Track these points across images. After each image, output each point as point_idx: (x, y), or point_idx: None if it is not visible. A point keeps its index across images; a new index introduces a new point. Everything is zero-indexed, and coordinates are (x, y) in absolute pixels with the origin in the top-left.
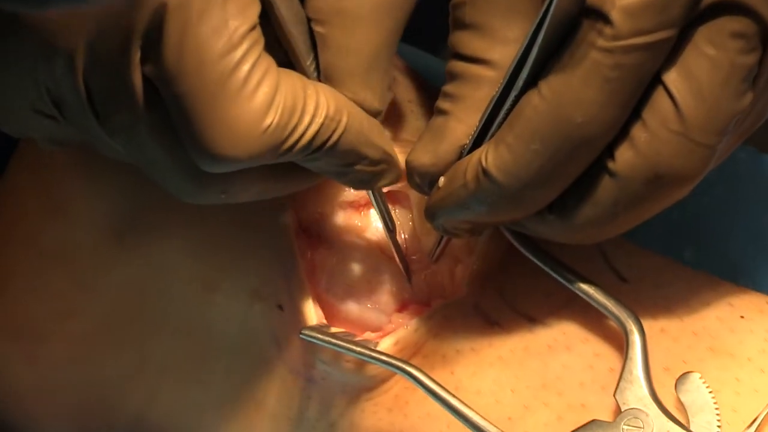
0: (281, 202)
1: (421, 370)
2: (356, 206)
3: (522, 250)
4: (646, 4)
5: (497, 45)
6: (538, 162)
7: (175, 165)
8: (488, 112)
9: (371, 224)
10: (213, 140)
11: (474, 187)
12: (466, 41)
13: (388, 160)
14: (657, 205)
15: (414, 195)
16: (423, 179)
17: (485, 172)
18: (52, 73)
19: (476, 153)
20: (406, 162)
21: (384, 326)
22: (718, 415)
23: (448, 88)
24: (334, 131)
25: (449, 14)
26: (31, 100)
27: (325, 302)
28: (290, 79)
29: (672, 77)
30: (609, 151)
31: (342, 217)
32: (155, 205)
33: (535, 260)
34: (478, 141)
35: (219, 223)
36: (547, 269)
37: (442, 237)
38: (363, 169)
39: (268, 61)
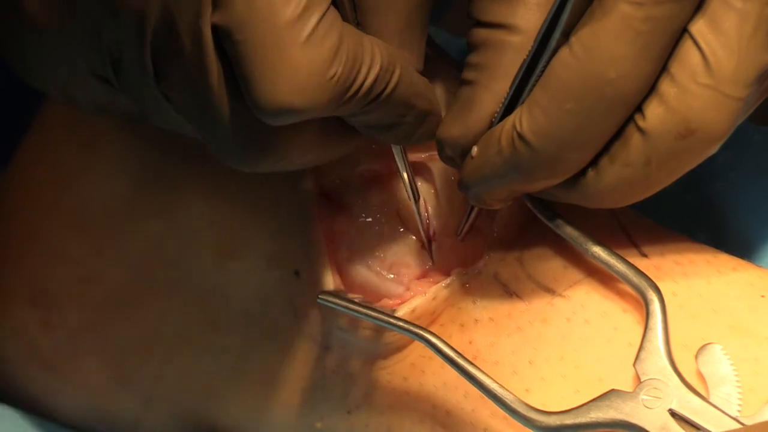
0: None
1: (439, 338)
2: (378, 175)
3: (543, 219)
4: None
5: (520, 9)
6: (573, 122)
7: (236, 126)
8: (518, 78)
9: (393, 193)
10: (278, 88)
11: (509, 153)
12: (488, 7)
13: (435, 112)
14: (689, 161)
15: (437, 167)
16: (455, 151)
17: (520, 136)
18: (117, 30)
19: (509, 119)
20: (437, 136)
21: (402, 294)
22: (739, 387)
23: (472, 57)
24: (388, 82)
25: None
26: (92, 62)
27: (344, 270)
28: (351, 30)
29: (700, 30)
30: (639, 109)
31: (363, 186)
32: (176, 170)
33: (556, 229)
34: (509, 108)
35: (239, 190)
36: (567, 238)
37: (470, 213)
38: (411, 122)
39: (334, 13)
